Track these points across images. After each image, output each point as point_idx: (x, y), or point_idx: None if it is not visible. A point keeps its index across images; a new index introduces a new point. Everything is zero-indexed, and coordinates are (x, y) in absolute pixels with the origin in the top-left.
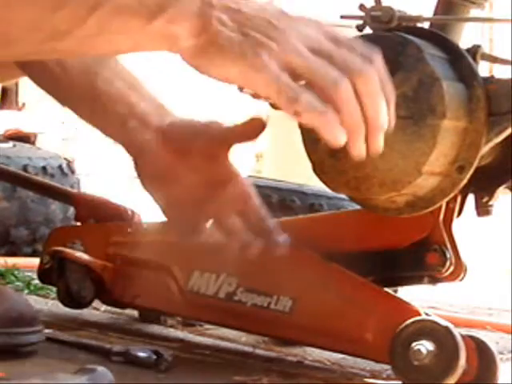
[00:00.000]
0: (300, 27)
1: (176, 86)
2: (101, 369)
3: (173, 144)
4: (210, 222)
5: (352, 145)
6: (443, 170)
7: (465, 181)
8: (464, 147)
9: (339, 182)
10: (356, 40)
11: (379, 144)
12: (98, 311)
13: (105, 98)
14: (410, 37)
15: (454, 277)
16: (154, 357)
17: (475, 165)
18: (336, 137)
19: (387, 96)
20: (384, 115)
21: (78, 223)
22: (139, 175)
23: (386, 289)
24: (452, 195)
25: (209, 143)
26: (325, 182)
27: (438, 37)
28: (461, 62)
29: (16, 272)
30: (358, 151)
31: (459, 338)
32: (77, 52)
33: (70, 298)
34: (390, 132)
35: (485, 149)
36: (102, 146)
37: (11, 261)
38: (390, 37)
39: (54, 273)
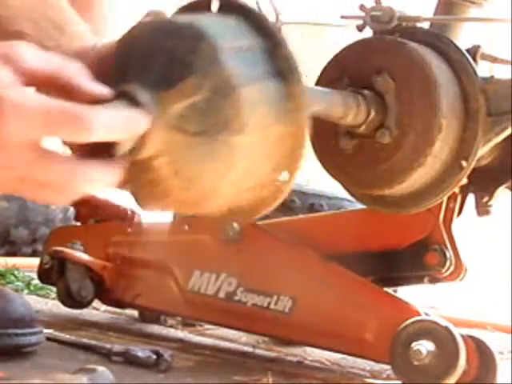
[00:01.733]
0: None
1: None
2: (101, 369)
3: None
4: None
5: None
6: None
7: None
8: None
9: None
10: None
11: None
12: (98, 311)
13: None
14: (205, 28)
15: (453, 277)
16: (154, 357)
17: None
18: None
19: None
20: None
21: (78, 223)
22: None
23: (386, 289)
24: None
25: None
26: None
27: (256, 17)
28: (277, 52)
29: (16, 272)
30: None
31: (459, 338)
32: None
33: (69, 298)
34: None
35: (484, 149)
36: None
37: (11, 261)
38: (182, 28)
39: (54, 273)
